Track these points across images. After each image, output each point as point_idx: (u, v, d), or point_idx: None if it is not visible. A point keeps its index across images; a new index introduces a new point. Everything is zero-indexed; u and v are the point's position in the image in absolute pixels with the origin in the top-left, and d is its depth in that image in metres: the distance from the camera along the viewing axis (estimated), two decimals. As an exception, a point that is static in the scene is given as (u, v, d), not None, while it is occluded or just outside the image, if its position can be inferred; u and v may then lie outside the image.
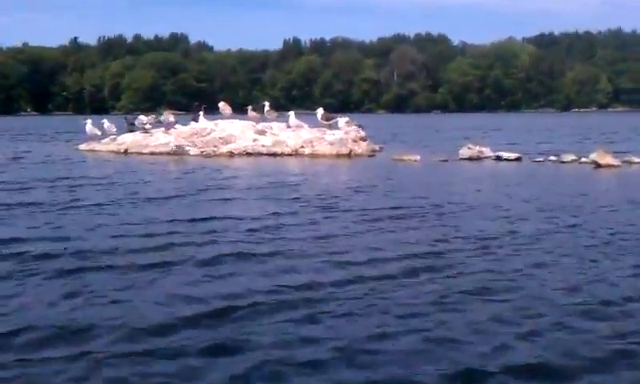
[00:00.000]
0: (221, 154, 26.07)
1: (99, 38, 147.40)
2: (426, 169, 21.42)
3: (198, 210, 12.90)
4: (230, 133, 27.78)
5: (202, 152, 26.27)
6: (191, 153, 26.19)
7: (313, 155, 25.58)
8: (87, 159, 25.98)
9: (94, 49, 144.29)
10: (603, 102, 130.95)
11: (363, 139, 28.26)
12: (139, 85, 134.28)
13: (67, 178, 18.75)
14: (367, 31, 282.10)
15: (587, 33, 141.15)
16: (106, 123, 29.97)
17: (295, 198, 14.44)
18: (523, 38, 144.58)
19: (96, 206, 13.45)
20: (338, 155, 25.44)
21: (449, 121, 78.98)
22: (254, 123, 29.08)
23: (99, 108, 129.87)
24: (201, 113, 30.79)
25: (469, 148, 24.20)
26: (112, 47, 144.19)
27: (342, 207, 13.12)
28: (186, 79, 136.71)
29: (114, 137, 29.21)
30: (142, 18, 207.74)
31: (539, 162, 22.88)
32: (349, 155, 25.56)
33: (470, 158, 23.56)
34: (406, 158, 23.44)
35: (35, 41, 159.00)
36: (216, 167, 21.81)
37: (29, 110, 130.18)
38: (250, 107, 31.19)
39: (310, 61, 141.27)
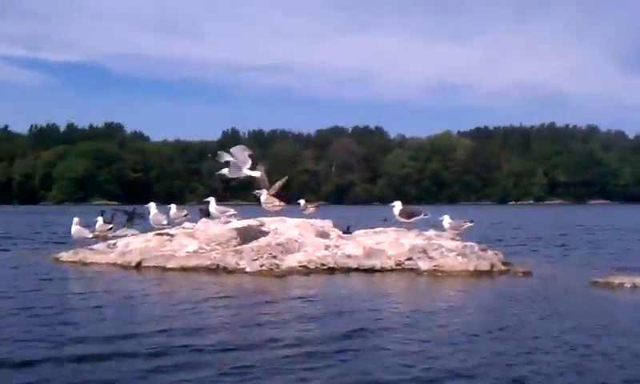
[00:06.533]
0: (291, 269, 16.31)
1: (31, 126, 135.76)
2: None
3: None
4: (287, 236, 18.08)
5: (261, 266, 16.45)
6: (248, 269, 16.30)
7: (435, 272, 16.09)
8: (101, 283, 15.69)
9: (25, 138, 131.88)
10: (539, 194, 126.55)
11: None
12: (72, 174, 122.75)
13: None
14: (305, 123, 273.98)
15: (521, 127, 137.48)
16: (99, 221, 19.84)
17: None
18: (459, 132, 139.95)
19: None
20: (476, 273, 16.07)
21: (490, 214, 67.47)
22: (311, 221, 19.63)
23: (29, 198, 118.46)
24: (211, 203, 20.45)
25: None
26: (44, 136, 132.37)
27: None
28: (121, 169, 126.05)
29: (112, 242, 19.08)
30: (75, 107, 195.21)
31: None
32: (490, 273, 16.22)
33: None
34: (616, 281, 14.01)
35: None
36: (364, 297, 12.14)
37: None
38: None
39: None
